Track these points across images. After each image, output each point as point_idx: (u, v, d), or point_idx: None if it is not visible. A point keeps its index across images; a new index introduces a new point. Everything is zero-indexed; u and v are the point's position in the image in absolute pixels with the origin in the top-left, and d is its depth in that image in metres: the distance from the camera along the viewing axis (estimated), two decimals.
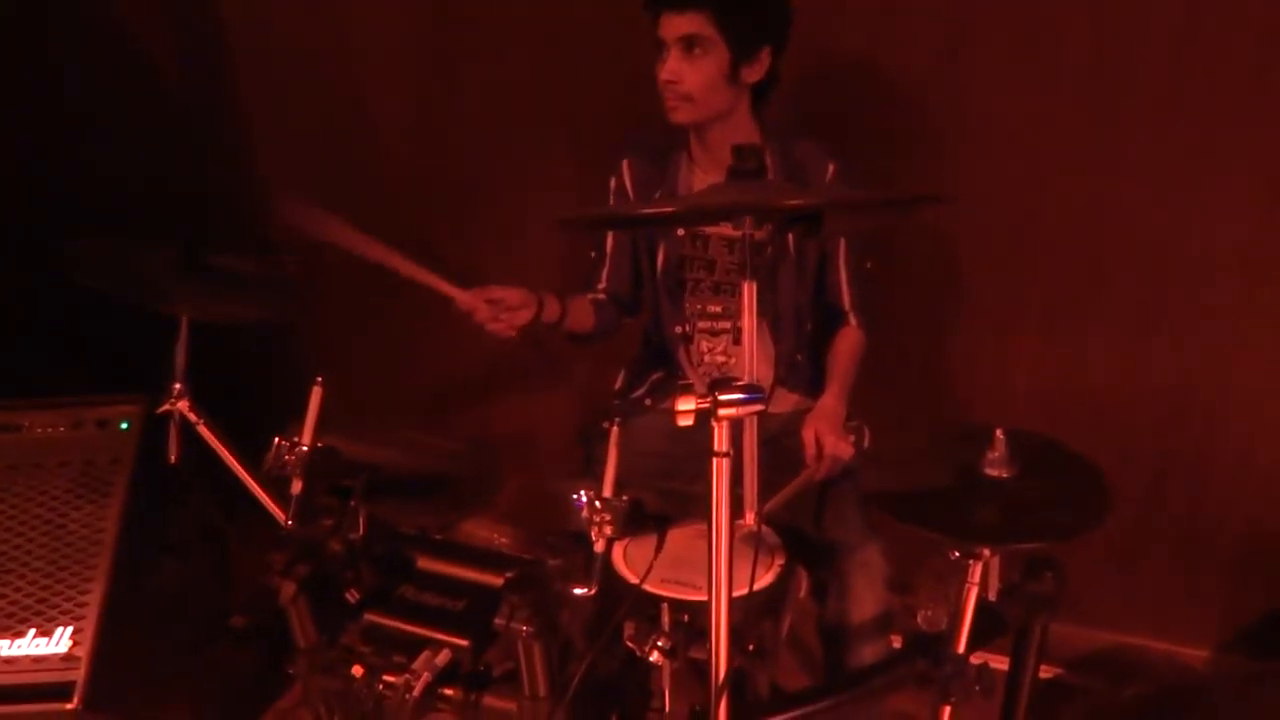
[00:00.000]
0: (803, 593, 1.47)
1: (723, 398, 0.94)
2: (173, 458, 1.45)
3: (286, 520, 1.25)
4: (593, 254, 1.85)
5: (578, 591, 1.12)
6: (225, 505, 1.79)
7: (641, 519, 1.19)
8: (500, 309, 1.57)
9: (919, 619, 1.65)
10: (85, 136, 2.21)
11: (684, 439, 1.67)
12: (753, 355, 0.96)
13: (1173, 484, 1.95)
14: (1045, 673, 1.51)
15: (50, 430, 1.94)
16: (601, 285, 1.84)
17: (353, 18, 2.19)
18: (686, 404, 0.95)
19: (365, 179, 2.28)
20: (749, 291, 0.96)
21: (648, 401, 1.83)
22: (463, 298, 1.55)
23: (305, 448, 1.24)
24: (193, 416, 1.42)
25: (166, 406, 1.41)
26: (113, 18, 2.22)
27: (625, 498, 1.13)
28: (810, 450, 1.45)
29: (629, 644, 1.24)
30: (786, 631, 1.44)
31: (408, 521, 1.32)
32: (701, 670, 1.33)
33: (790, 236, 1.65)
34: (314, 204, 1.40)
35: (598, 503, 1.12)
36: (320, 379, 1.26)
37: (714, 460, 0.98)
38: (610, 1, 1.96)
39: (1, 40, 2.16)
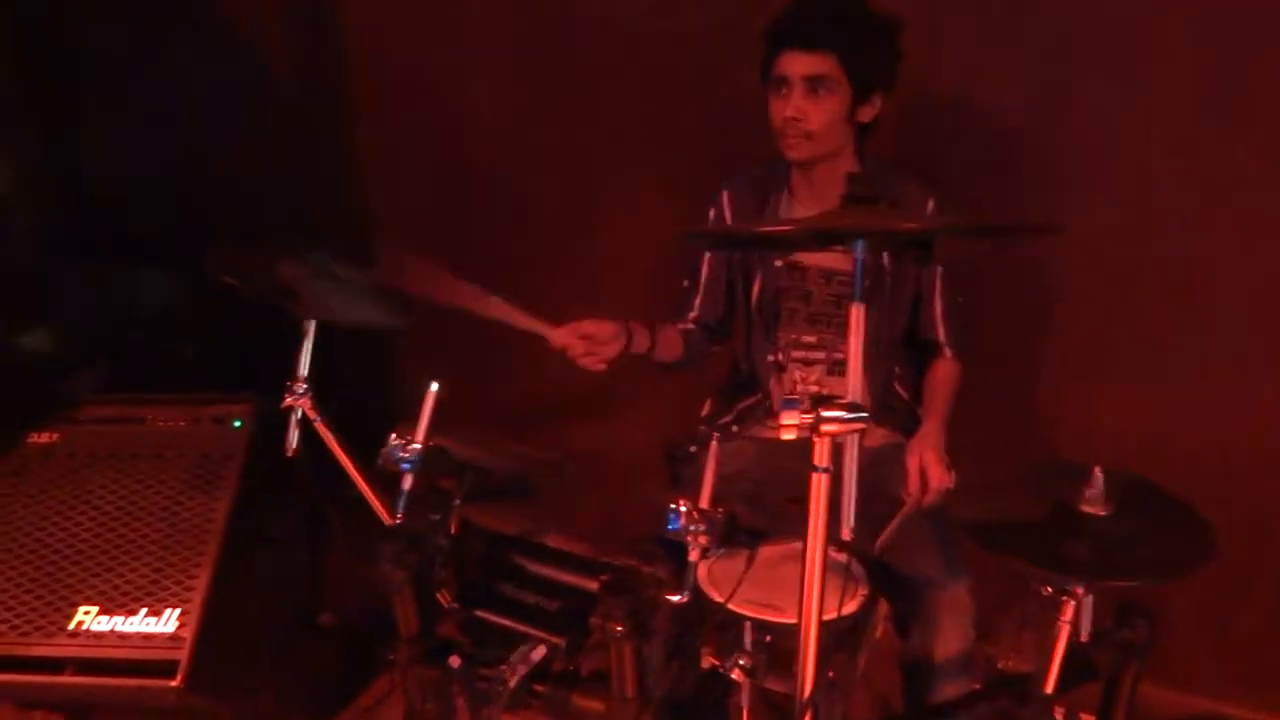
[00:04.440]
0: (878, 629, 1.47)
1: (826, 414, 0.98)
2: (290, 451, 1.54)
3: (394, 515, 1.32)
4: (685, 283, 1.90)
5: (672, 599, 1.15)
6: (329, 503, 1.89)
7: (735, 533, 1.22)
8: (592, 344, 1.62)
9: (1000, 666, 1.63)
10: (221, 151, 2.39)
11: (770, 465, 1.72)
12: (858, 376, 0.99)
13: (1273, 541, 1.88)
14: None
15: (170, 424, 2.09)
16: (692, 314, 1.89)
17: (459, 45, 2.33)
18: (790, 418, 0.99)
19: (462, 201, 2.41)
20: (857, 314, 0.99)
21: (735, 428, 1.86)
22: (555, 336, 1.60)
23: (419, 446, 1.31)
24: (313, 414, 1.51)
25: (289, 402, 1.51)
26: (249, 51, 2.41)
27: (721, 511, 1.17)
28: (914, 479, 1.46)
29: (711, 660, 1.27)
30: (862, 665, 1.44)
31: (504, 523, 1.37)
32: (770, 700, 1.34)
33: (887, 268, 1.68)
34: (415, 255, 1.49)
35: (695, 513, 1.16)
36: (437, 382, 1.34)
37: (813, 476, 1.01)
38: (705, 36, 2.05)
39: (159, 68, 2.37)
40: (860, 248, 0.95)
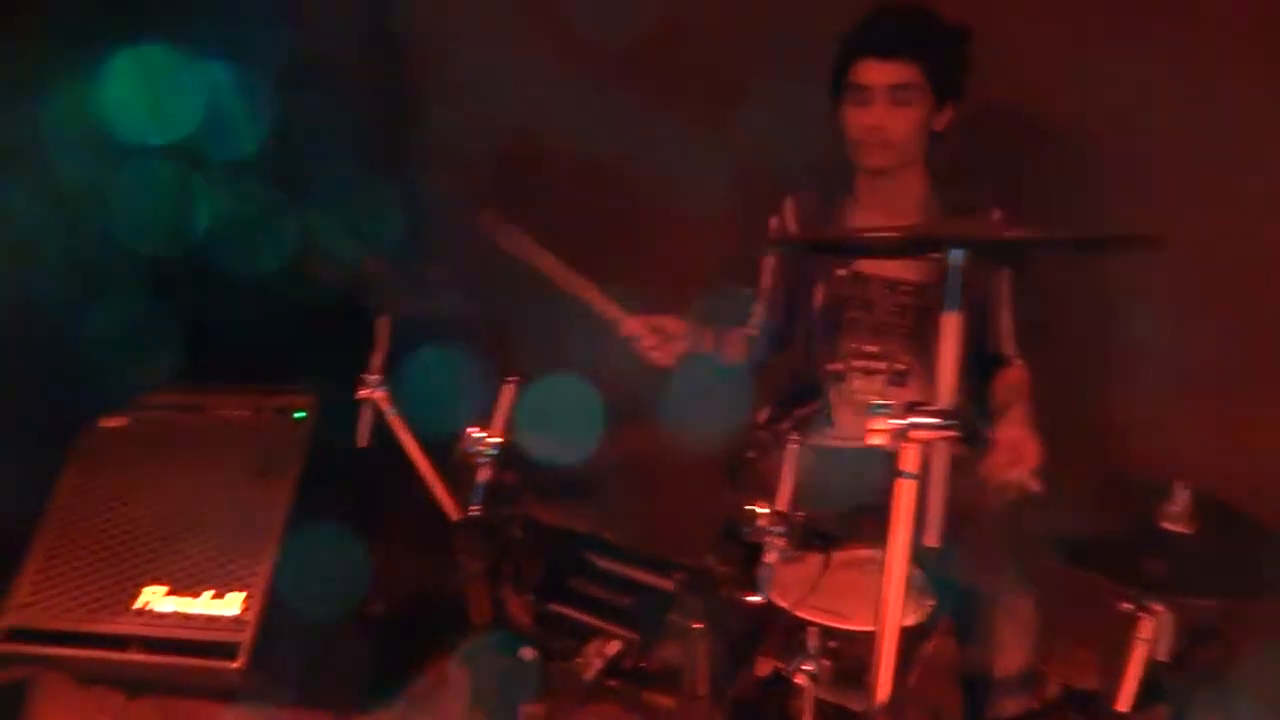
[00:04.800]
0: (930, 644, 1.46)
1: (917, 420, 0.98)
2: (363, 442, 1.57)
3: (470, 508, 1.34)
4: (749, 290, 1.92)
5: (749, 599, 1.16)
6: (391, 496, 1.92)
7: (810, 537, 1.23)
8: (661, 337, 1.65)
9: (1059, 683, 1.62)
10: (306, 156, 2.44)
11: (827, 473, 1.72)
12: (950, 386, 0.99)
13: None
14: None
15: (235, 414, 2.13)
16: (756, 321, 1.90)
17: (531, 54, 2.36)
18: (880, 424, 0.99)
19: (525, 200, 2.43)
20: (949, 324, 1.00)
21: (793, 435, 1.87)
22: (628, 323, 1.63)
23: (497, 440, 1.34)
24: (388, 407, 1.54)
25: (365, 394, 1.54)
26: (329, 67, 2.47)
27: (800, 514, 1.18)
28: (1006, 454, 1.41)
29: (776, 663, 1.28)
30: (915, 679, 1.44)
31: (568, 520, 1.39)
32: (826, 713, 1.34)
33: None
34: (508, 220, 1.52)
35: (774, 516, 1.17)
36: (514, 378, 1.36)
37: (899, 483, 1.02)
38: (766, 40, 2.06)
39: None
40: (959, 257, 0.96)
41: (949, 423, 0.97)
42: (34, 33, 2.12)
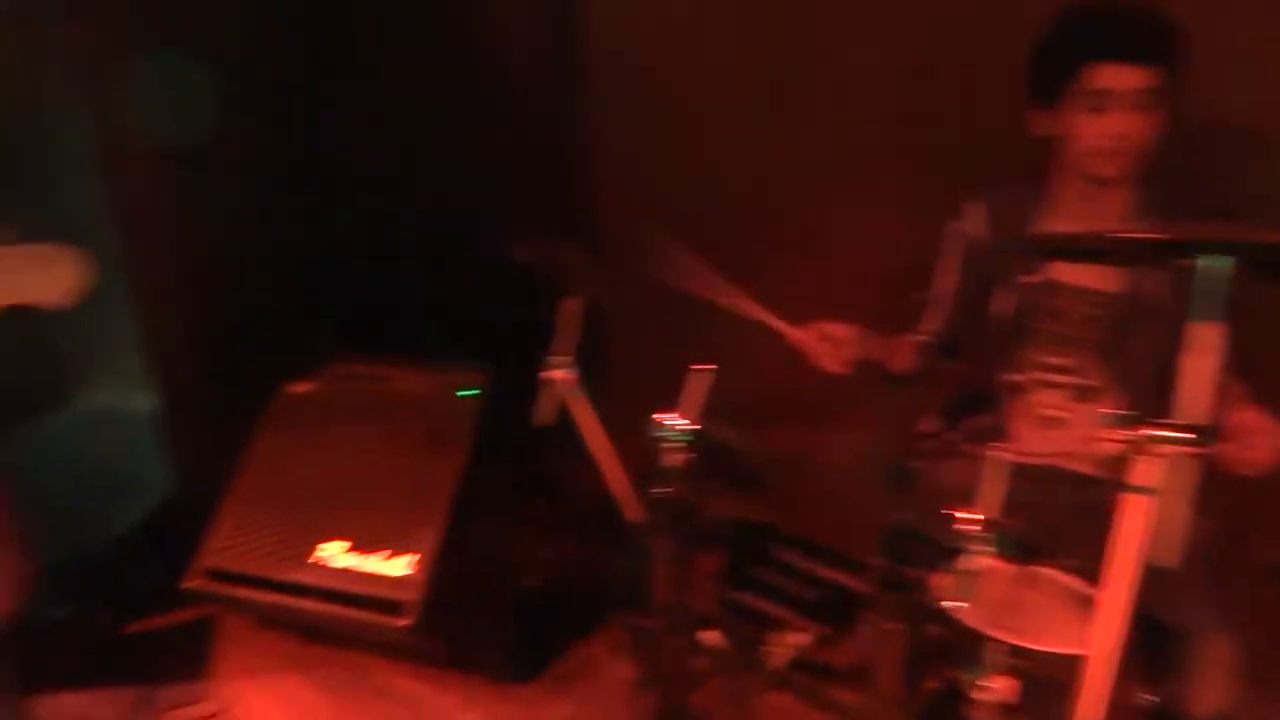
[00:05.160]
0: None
1: (1159, 433, 0.94)
2: (543, 420, 1.63)
3: (654, 489, 1.37)
4: (922, 295, 1.88)
5: (948, 605, 1.14)
6: (556, 476, 1.99)
7: (1016, 549, 1.20)
8: (832, 344, 1.63)
9: None
10: (475, 143, 2.56)
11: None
12: (1198, 398, 0.94)
13: None
14: None
15: (413, 387, 2.26)
16: (930, 327, 1.86)
17: (696, 41, 2.39)
18: (1112, 434, 0.96)
19: (694, 203, 2.46)
20: (1205, 334, 0.95)
21: (963, 445, 1.82)
22: (795, 334, 1.63)
23: (691, 425, 1.37)
24: (573, 388, 1.60)
25: (551, 375, 1.59)
26: (496, 45, 2.57)
27: (1010, 523, 1.15)
28: (1245, 437, 1.29)
29: (957, 677, 1.25)
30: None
31: (756, 511, 1.40)
32: None
33: (1147, 291, 1.59)
34: (669, 241, 1.55)
35: (983, 525, 1.15)
36: (707, 366, 1.39)
37: (1128, 498, 0.98)
38: (965, 36, 2.01)
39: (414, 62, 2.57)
40: (1224, 264, 0.91)
41: (1201, 437, 0.92)
42: None
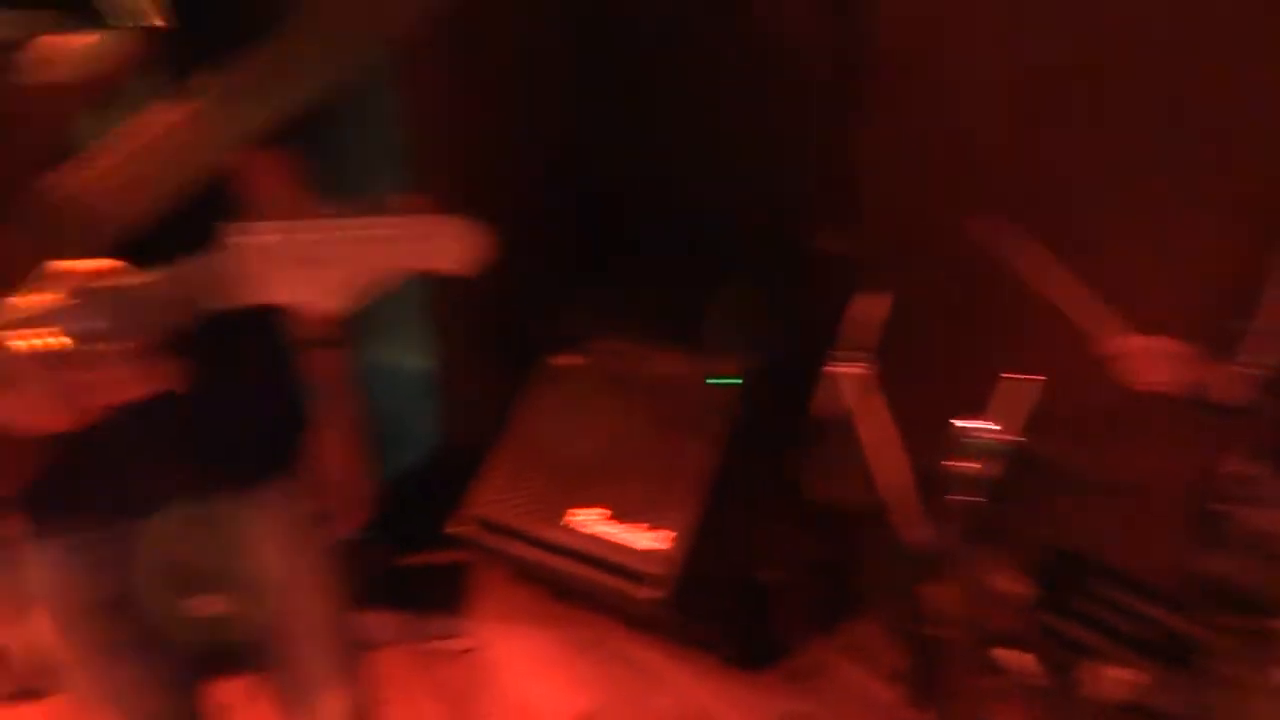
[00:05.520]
0: None
1: None
2: (819, 411, 1.63)
3: (963, 496, 1.33)
4: (1243, 323, 1.69)
5: None
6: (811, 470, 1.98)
7: None
8: (1151, 359, 1.51)
9: None
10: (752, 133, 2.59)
11: None
12: None
13: None
14: None
15: (675, 370, 2.30)
16: (1253, 358, 1.67)
17: (972, 49, 2.25)
18: None
19: (955, 199, 2.34)
20: None
21: None
22: (1119, 340, 1.51)
23: (1005, 435, 1.31)
24: (866, 385, 1.58)
25: (841, 370, 1.59)
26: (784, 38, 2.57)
27: None
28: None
29: None
30: None
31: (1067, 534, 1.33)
32: None
33: None
34: (1003, 223, 1.47)
35: None
36: (1036, 377, 1.32)
37: None
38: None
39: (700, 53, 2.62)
40: None
41: None
42: None
